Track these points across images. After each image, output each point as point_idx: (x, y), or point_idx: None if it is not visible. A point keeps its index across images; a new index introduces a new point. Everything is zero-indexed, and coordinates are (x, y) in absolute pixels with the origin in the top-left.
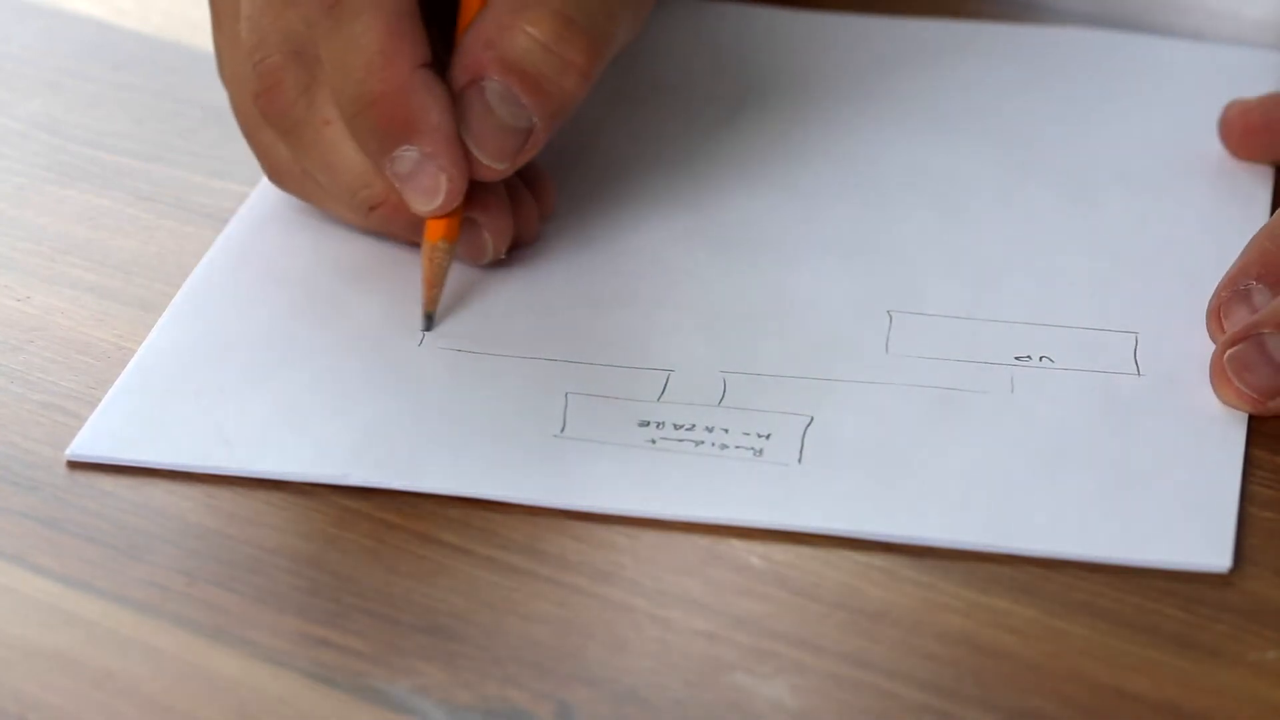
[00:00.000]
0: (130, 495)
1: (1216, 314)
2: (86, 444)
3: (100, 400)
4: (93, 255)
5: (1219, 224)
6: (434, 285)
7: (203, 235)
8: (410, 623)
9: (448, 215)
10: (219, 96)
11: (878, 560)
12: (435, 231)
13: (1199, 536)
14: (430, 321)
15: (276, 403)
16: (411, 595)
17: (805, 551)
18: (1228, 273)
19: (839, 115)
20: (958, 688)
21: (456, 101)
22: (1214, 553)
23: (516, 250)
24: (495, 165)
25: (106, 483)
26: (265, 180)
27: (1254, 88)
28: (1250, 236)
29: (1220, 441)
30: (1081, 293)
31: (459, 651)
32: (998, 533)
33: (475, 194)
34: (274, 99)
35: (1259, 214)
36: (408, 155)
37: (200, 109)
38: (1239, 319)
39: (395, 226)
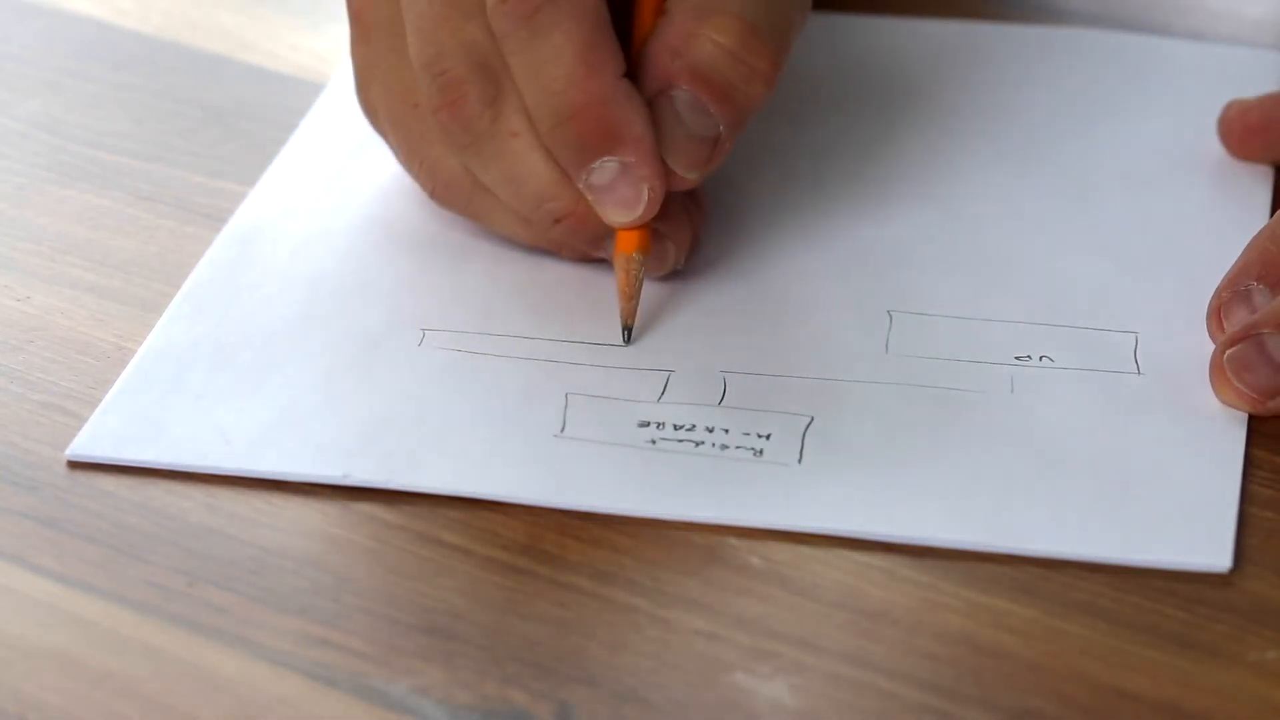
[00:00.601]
0: (130, 495)
1: (1217, 314)
2: (86, 444)
3: (100, 400)
4: (93, 255)
5: (1219, 224)
6: (631, 297)
7: (203, 235)
8: (410, 623)
9: (640, 227)
10: (219, 96)
11: (878, 560)
12: (629, 244)
13: (1199, 536)
14: (629, 334)
15: (276, 403)
16: (411, 595)
17: (805, 551)
18: (1228, 273)
19: (839, 115)
20: (958, 688)
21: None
22: (1214, 553)
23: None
24: (688, 175)
25: (106, 483)
26: (265, 180)
27: (1254, 88)
28: (1250, 236)
29: (1220, 441)
30: (1081, 292)
31: (459, 651)
32: (998, 533)
33: (662, 213)
34: (458, 112)
35: (1259, 214)
36: (608, 166)
37: (200, 109)
38: (1239, 319)
39: (578, 240)
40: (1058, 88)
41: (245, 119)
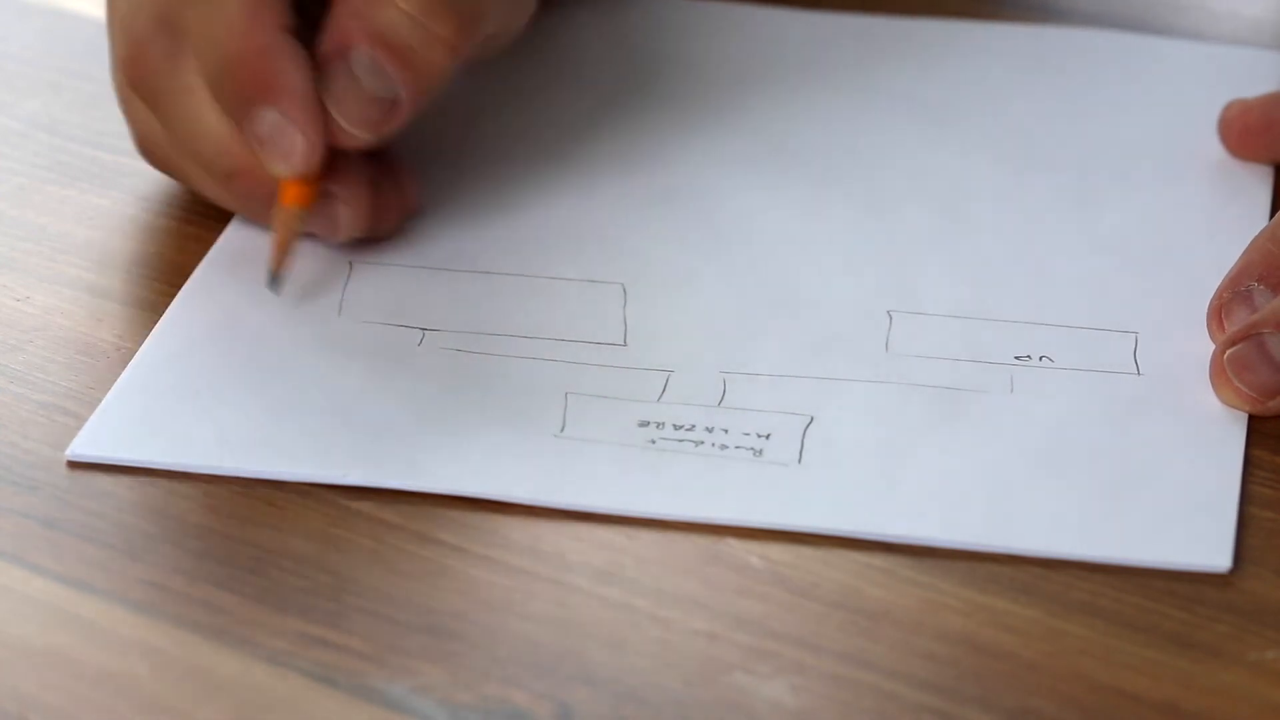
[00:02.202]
0: (130, 495)
1: (1217, 314)
2: (86, 444)
3: (100, 400)
4: (93, 255)
5: (1219, 224)
6: (282, 248)
7: (203, 235)
8: (410, 623)
9: (304, 182)
10: None
11: (878, 560)
12: (288, 196)
13: (1199, 536)
14: (276, 284)
15: (276, 403)
16: (411, 595)
17: (805, 551)
18: (1229, 273)
19: (839, 115)
20: (957, 688)
21: (323, 69)
22: (1214, 553)
23: (376, 243)
24: (358, 133)
25: (106, 483)
26: None
27: (1254, 88)
28: (1250, 236)
29: (1220, 441)
30: (1081, 292)
31: (459, 651)
32: (998, 533)
33: (336, 169)
34: (139, 66)
35: (1259, 214)
36: (267, 117)
37: None
38: (1240, 319)
39: (254, 200)
40: (1059, 88)
41: None
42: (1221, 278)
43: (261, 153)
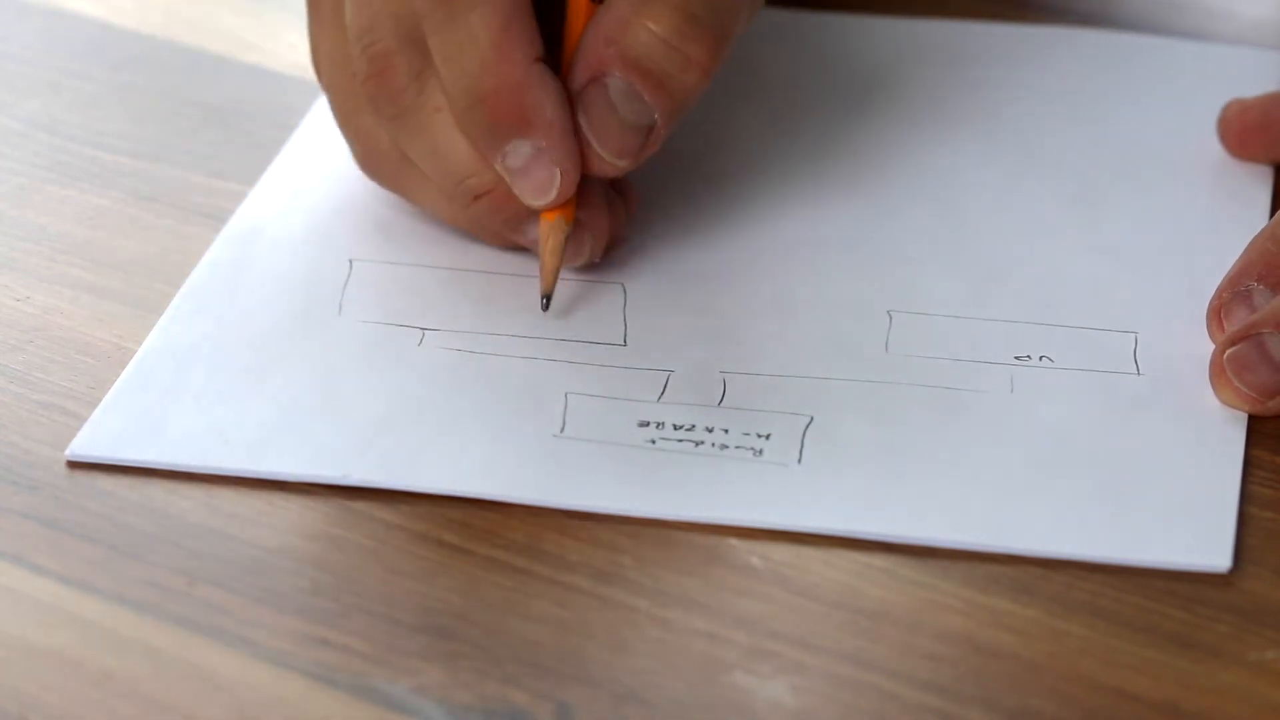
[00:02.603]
0: (130, 495)
1: (1217, 314)
2: (86, 444)
3: (100, 400)
4: (93, 255)
5: (1219, 224)
6: (552, 264)
7: (203, 235)
8: (410, 623)
9: (561, 207)
10: (219, 96)
11: (878, 560)
12: (553, 214)
13: (1199, 536)
14: (548, 302)
15: (276, 403)
16: (411, 595)
17: (805, 551)
18: (1229, 273)
19: (839, 115)
20: (958, 688)
21: (579, 99)
22: (1214, 553)
23: (610, 251)
24: (617, 163)
25: (106, 483)
26: (265, 180)
27: (1254, 88)
28: (1250, 236)
29: (1220, 441)
30: (1081, 292)
31: (459, 651)
32: (998, 533)
33: (579, 195)
34: (384, 83)
35: (1259, 214)
36: (520, 150)
37: (200, 109)
38: (1240, 319)
39: (497, 219)
40: (1058, 88)
41: (245, 119)
42: (1221, 278)
43: (515, 184)
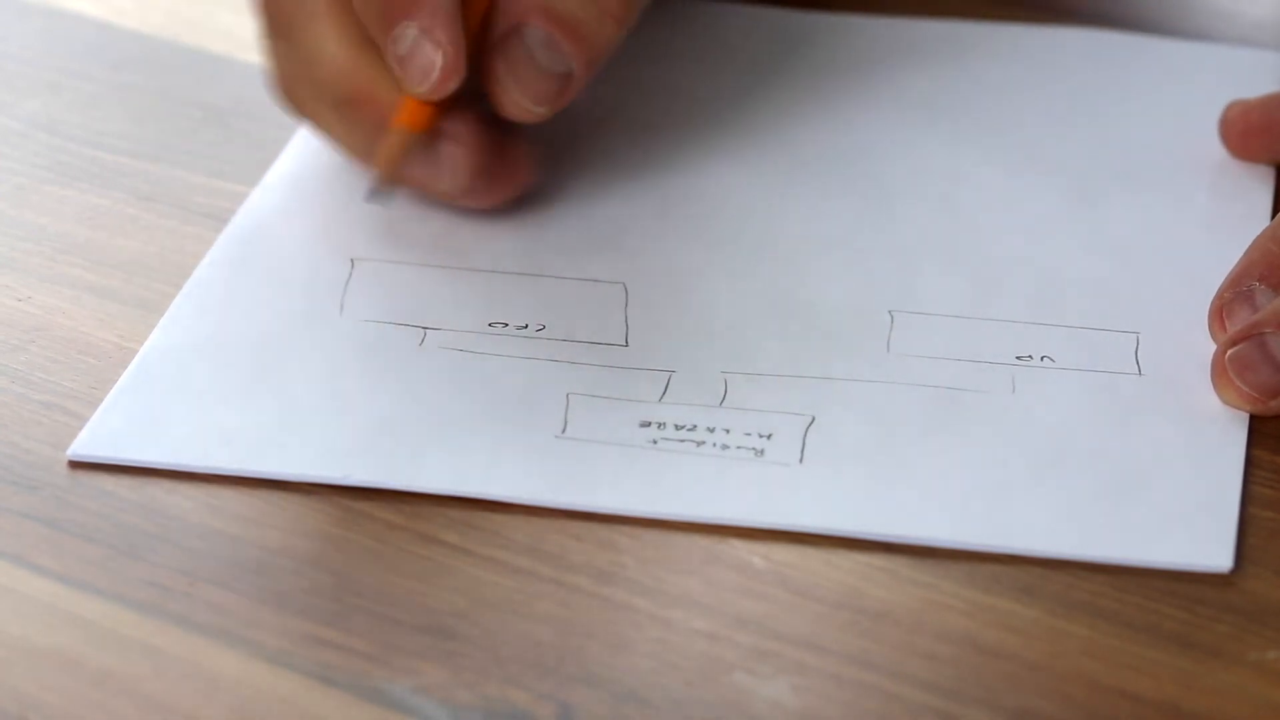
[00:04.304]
0: (130, 495)
1: (1219, 314)
2: (87, 444)
3: (101, 400)
4: (93, 255)
5: (1220, 224)
6: (387, 161)
7: (203, 235)
8: (411, 623)
9: (424, 107)
10: (219, 96)
11: (879, 560)
12: (404, 116)
13: (1200, 536)
14: (377, 197)
15: (277, 403)
16: (413, 595)
17: (806, 551)
18: (1230, 273)
19: (839, 115)
20: (959, 688)
21: (498, 46)
22: (1215, 553)
23: (502, 213)
24: (534, 109)
25: (107, 483)
26: (266, 180)
27: (1254, 88)
28: (1251, 237)
29: (1221, 441)
30: (1082, 292)
31: (460, 651)
32: (999, 533)
33: (455, 112)
34: None
35: (1260, 214)
36: (407, 33)
37: (200, 109)
38: (1241, 319)
39: (368, 129)
40: (1059, 88)
41: (245, 119)
42: (1223, 278)
43: (400, 71)
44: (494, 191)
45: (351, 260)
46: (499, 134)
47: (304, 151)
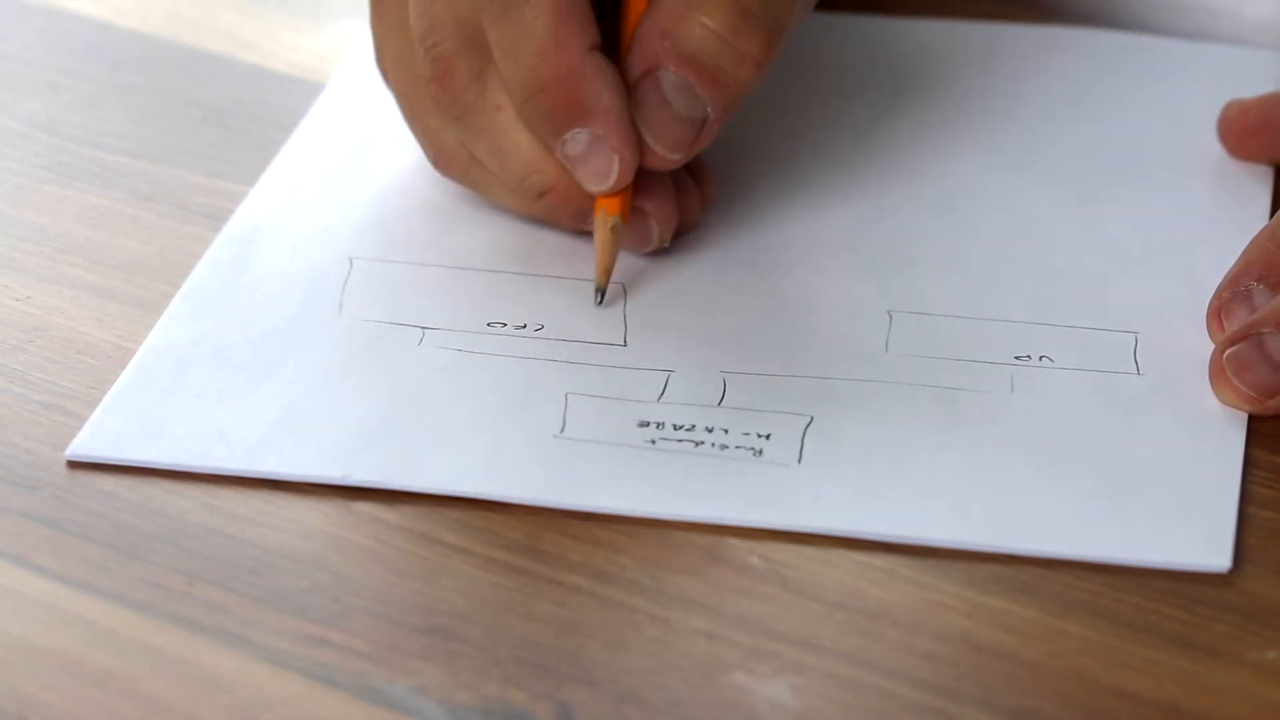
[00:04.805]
0: (130, 495)
1: (1217, 314)
2: (86, 444)
3: (100, 400)
4: (93, 255)
5: (1219, 224)
6: (606, 259)
7: (203, 235)
8: (410, 623)
9: (621, 194)
10: (219, 96)
11: (878, 560)
12: (612, 208)
13: (1199, 536)
14: (602, 296)
15: (276, 403)
16: (412, 595)
17: (805, 551)
18: (1229, 273)
19: (839, 115)
20: (958, 688)
21: (632, 91)
22: (1214, 553)
23: (679, 238)
24: (670, 155)
25: (106, 483)
26: (265, 180)
27: (1254, 88)
28: (1250, 236)
29: (1220, 441)
30: (1081, 292)
31: (459, 651)
32: (998, 533)
33: (642, 183)
34: (446, 85)
35: (1259, 214)
36: (579, 138)
37: (200, 109)
38: (1240, 319)
39: (563, 214)
40: (1058, 88)
41: (245, 119)
42: (1221, 278)
43: (576, 172)
44: (686, 225)
45: (350, 260)
46: (678, 175)
47: (303, 151)
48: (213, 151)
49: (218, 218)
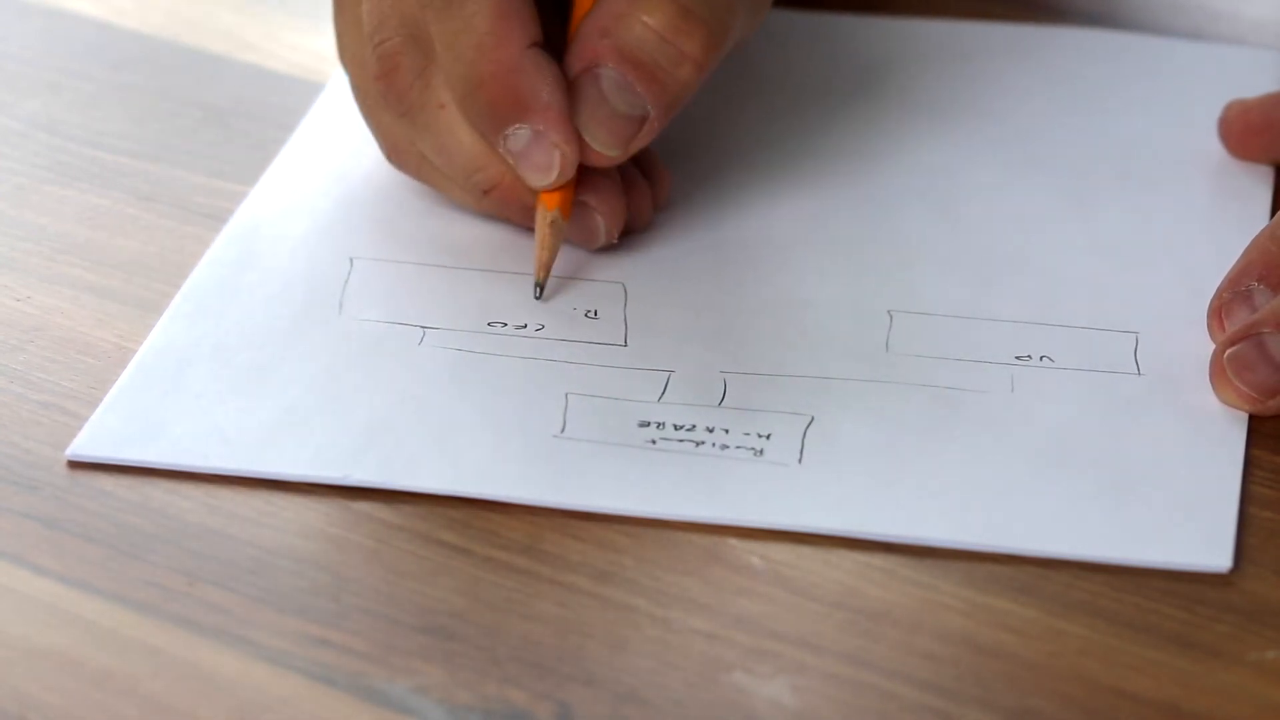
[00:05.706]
0: (130, 495)
1: (1218, 314)
2: (87, 444)
3: (100, 400)
4: (93, 255)
5: (1219, 224)
6: (545, 255)
7: (203, 235)
8: (410, 623)
9: (562, 189)
10: (219, 96)
11: (878, 560)
12: (549, 202)
13: (1199, 536)
14: (541, 290)
15: (277, 403)
16: (411, 595)
17: (805, 551)
18: (1229, 273)
19: (839, 115)
20: (958, 688)
21: (571, 88)
22: (1214, 553)
23: (627, 236)
24: (607, 152)
25: (106, 483)
26: (265, 180)
27: (1254, 88)
28: (1250, 236)
29: (1220, 441)
30: (1081, 292)
31: (459, 651)
32: (998, 533)
33: (588, 178)
34: (393, 82)
35: (1259, 214)
36: (520, 133)
37: (200, 109)
38: (1240, 319)
39: (509, 210)
40: (1058, 88)
41: (245, 119)
42: (1221, 277)
43: (518, 167)
44: (637, 222)
45: (350, 259)
46: (628, 167)
47: (303, 151)
48: (213, 151)
49: (218, 218)
